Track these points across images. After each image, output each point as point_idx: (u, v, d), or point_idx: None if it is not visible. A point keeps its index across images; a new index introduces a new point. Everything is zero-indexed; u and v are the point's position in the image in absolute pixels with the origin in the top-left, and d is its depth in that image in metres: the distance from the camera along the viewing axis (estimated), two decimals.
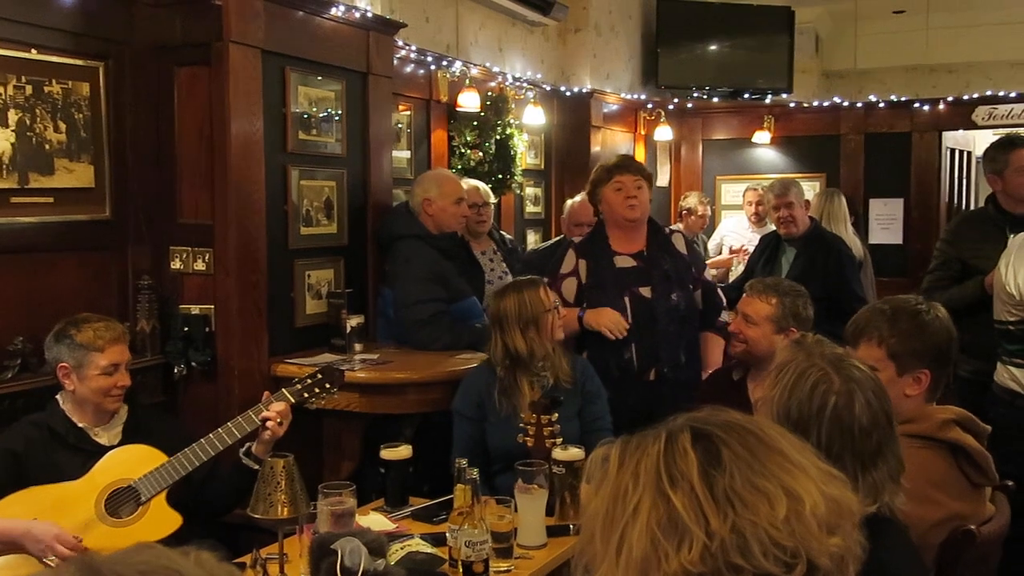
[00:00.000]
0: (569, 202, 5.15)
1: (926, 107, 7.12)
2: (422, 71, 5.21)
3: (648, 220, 3.81)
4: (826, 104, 7.51)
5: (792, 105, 7.62)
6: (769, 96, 7.78)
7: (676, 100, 7.65)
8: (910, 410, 2.22)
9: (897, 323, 2.29)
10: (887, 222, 7.26)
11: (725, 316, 3.77)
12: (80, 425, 2.83)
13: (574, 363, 3.30)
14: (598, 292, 3.68)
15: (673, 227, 4.14)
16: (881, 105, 7.26)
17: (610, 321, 3.55)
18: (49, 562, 2.50)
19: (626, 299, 3.65)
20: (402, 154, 5.05)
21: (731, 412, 1.15)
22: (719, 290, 4.02)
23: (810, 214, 5.07)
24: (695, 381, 3.67)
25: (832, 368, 1.72)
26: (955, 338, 2.32)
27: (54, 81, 3.27)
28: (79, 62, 3.37)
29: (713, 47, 7.73)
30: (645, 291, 3.67)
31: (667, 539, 1.02)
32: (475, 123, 5.37)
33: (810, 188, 7.06)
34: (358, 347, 3.89)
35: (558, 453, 2.75)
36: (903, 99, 7.29)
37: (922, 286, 4.20)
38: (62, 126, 3.30)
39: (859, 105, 7.35)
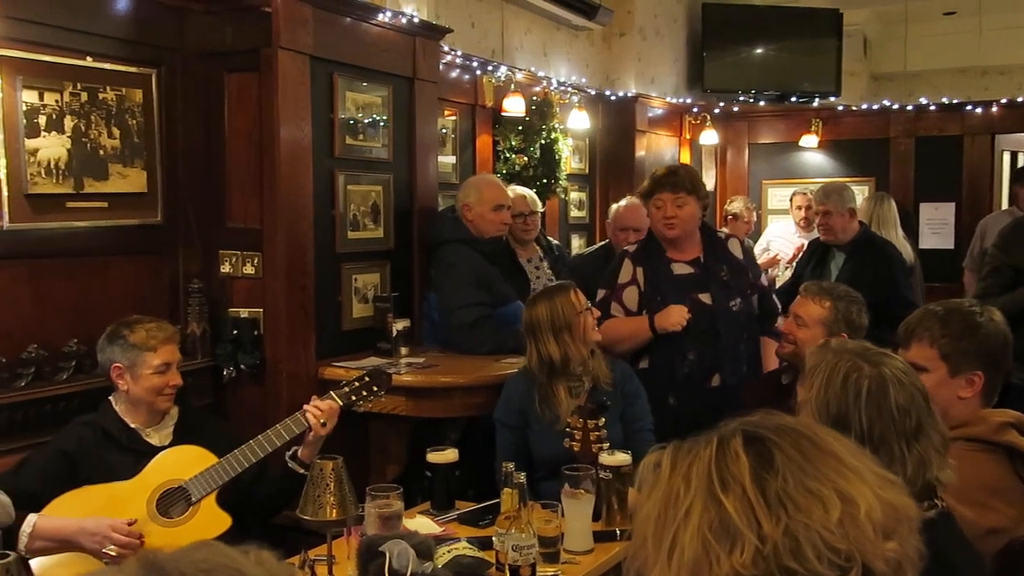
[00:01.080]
0: (614, 206, 5.12)
1: (978, 109, 6.99)
2: (467, 76, 5.23)
3: (702, 226, 3.75)
4: (875, 107, 7.40)
5: (840, 108, 7.52)
6: (816, 99, 7.69)
7: (722, 104, 7.60)
8: (965, 413, 2.18)
9: (949, 324, 2.26)
10: (938, 226, 7.13)
11: (781, 321, 3.71)
12: (132, 426, 2.87)
13: (613, 366, 3.28)
14: (659, 299, 3.62)
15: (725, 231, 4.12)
16: (932, 108, 7.15)
17: (679, 316, 3.52)
18: (109, 551, 2.54)
19: (687, 305, 3.58)
20: (447, 159, 5.07)
21: (784, 416, 1.14)
22: (773, 295, 3.97)
23: (860, 219, 4.99)
24: None
25: (860, 358, 1.77)
26: (1010, 342, 2.28)
27: (108, 88, 3.33)
28: (132, 69, 3.43)
29: (759, 50, 7.66)
30: (705, 297, 3.60)
31: (719, 542, 1.02)
32: (520, 128, 5.38)
33: (859, 192, 6.95)
34: (404, 351, 3.90)
35: (605, 458, 2.73)
36: (954, 101, 7.17)
37: (974, 293, 4.12)
38: (116, 132, 3.36)
39: (909, 108, 7.24)
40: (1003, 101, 6.99)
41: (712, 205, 7.68)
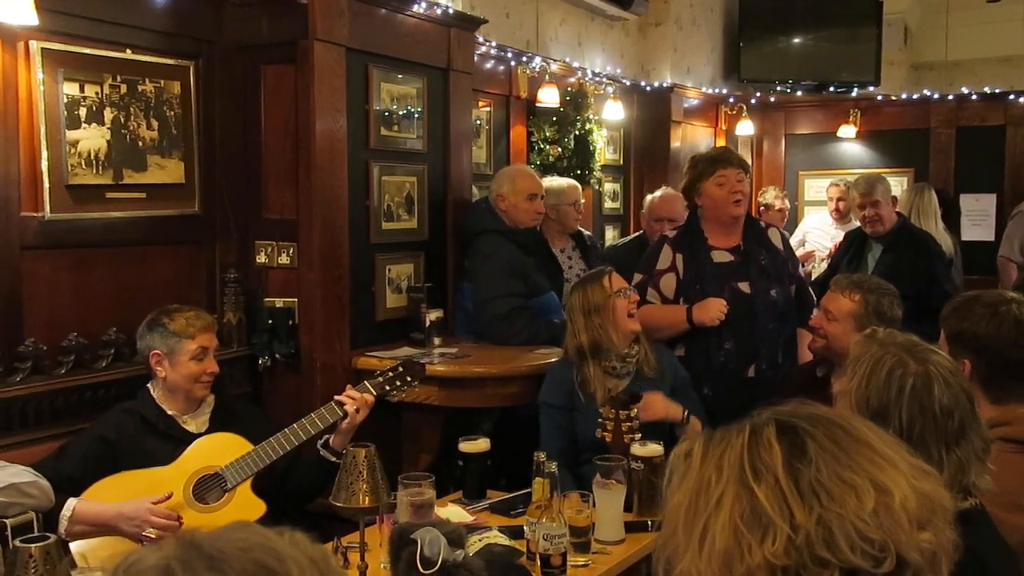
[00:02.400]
0: (649, 197, 5.10)
1: (1022, 99, 6.86)
2: (502, 67, 5.23)
3: (747, 213, 3.77)
4: (915, 97, 7.30)
5: (879, 98, 7.43)
6: (855, 89, 7.59)
7: (758, 94, 7.53)
8: (991, 413, 2.14)
9: (965, 307, 2.27)
10: (979, 218, 7.02)
11: (815, 314, 3.70)
12: (170, 413, 2.92)
13: (661, 354, 3.27)
14: (698, 287, 3.61)
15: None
16: (973, 97, 7.04)
17: (717, 311, 3.50)
18: (148, 535, 2.58)
19: (725, 294, 3.56)
20: (481, 150, 5.07)
21: (817, 406, 1.14)
22: (810, 287, 3.95)
23: (898, 209, 4.93)
24: None
25: (906, 354, 1.72)
26: (1008, 337, 2.21)
27: (147, 80, 3.38)
28: (171, 61, 3.47)
29: (797, 40, 7.58)
30: (744, 286, 3.58)
31: (750, 531, 1.01)
32: (554, 119, 5.37)
33: (897, 184, 6.87)
34: (437, 341, 3.92)
35: (636, 449, 2.73)
36: (997, 91, 7.05)
37: (1015, 283, 4.06)
38: (155, 124, 3.41)
39: (950, 98, 7.13)
40: None
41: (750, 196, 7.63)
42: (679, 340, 3.61)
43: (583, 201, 4.83)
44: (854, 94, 7.57)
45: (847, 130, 7.35)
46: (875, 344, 1.79)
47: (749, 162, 7.62)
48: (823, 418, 1.09)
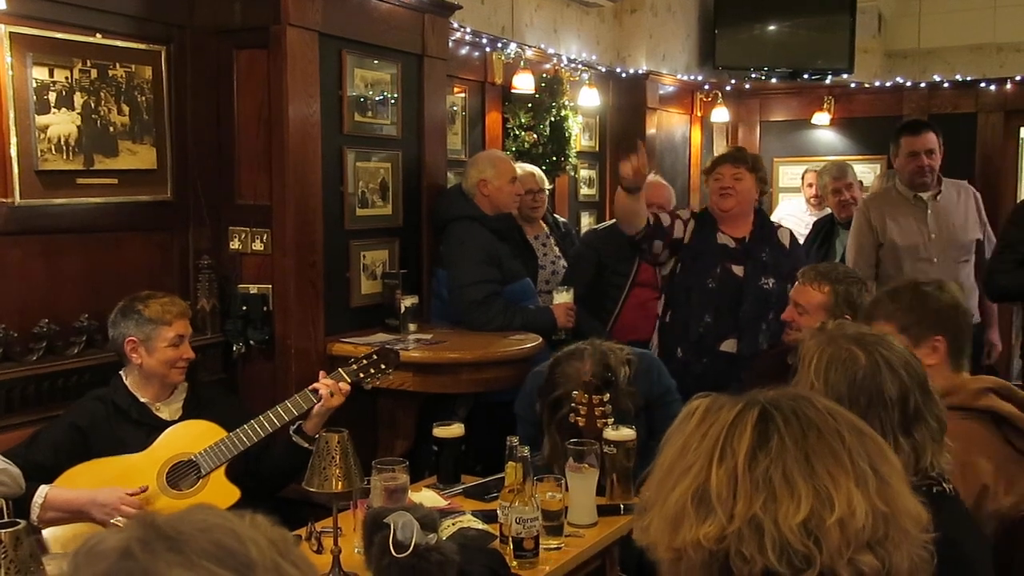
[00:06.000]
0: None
1: (992, 87, 6.93)
2: (477, 53, 5.22)
3: (757, 211, 3.88)
4: (888, 84, 7.34)
5: (853, 86, 7.46)
6: (829, 77, 7.62)
7: (734, 81, 7.55)
8: (941, 383, 2.19)
9: (899, 298, 2.35)
10: None
11: None
12: (142, 400, 2.91)
13: (638, 374, 3.04)
14: (694, 257, 3.78)
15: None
16: (945, 85, 7.09)
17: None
18: (116, 523, 2.58)
19: (716, 271, 3.73)
20: (456, 136, 5.06)
21: (818, 400, 1.15)
22: None
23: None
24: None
25: (855, 345, 1.71)
26: (962, 307, 2.37)
27: (118, 65, 3.34)
28: (142, 46, 3.44)
29: (772, 27, 7.60)
30: (738, 269, 3.73)
31: (696, 510, 1.06)
32: (530, 105, 5.37)
33: (869, 171, 6.92)
34: (412, 327, 3.92)
35: (609, 433, 2.75)
36: (968, 79, 7.10)
37: (986, 267, 4.11)
38: (126, 109, 3.38)
39: (922, 85, 7.18)
40: (1018, 78, 6.91)
41: None
42: (666, 306, 3.84)
43: (548, 188, 4.85)
44: (828, 81, 7.61)
45: (821, 117, 7.39)
46: (824, 338, 1.78)
47: (724, 149, 7.69)
48: (805, 415, 1.10)
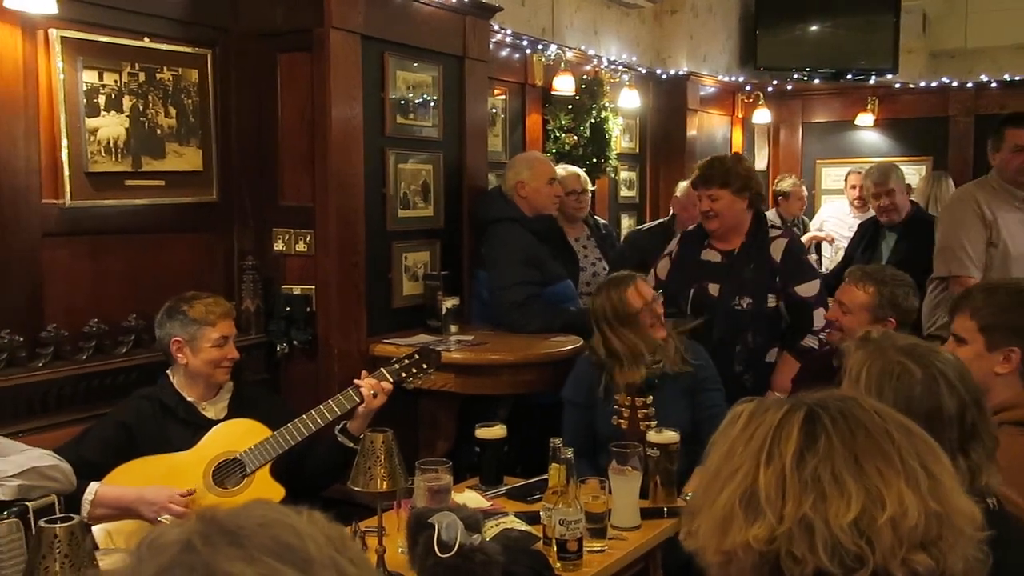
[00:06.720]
0: (682, 184, 4.97)
1: None
2: (517, 55, 5.23)
3: (755, 219, 3.67)
4: (934, 85, 7.24)
5: (897, 86, 7.36)
6: (873, 77, 7.53)
7: (775, 82, 7.49)
8: (1008, 394, 2.14)
9: (994, 296, 2.23)
10: None
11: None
12: (189, 399, 2.95)
13: (687, 349, 3.21)
14: (673, 277, 3.73)
15: (776, 223, 3.91)
16: (993, 85, 6.97)
17: None
18: (163, 521, 2.61)
19: (691, 291, 3.63)
20: (497, 138, 5.07)
21: (864, 400, 1.14)
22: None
23: (915, 198, 4.91)
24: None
25: (907, 358, 1.63)
26: None
27: (165, 68, 3.39)
28: (188, 49, 3.49)
29: (814, 27, 7.52)
30: (713, 289, 3.60)
31: (744, 512, 1.05)
32: (570, 107, 5.36)
33: (915, 172, 6.83)
34: (453, 328, 3.93)
35: (652, 436, 2.74)
36: (1016, 78, 6.98)
37: None
38: (172, 111, 3.43)
39: (969, 85, 7.07)
40: None
41: (765, 185, 7.59)
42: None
43: (591, 189, 4.85)
44: (872, 82, 7.52)
45: (865, 118, 7.31)
46: (872, 350, 1.69)
47: (766, 151, 7.63)
48: (852, 415, 1.09)
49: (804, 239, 6.36)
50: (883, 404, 1.59)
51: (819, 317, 3.52)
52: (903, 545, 1.00)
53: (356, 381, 2.92)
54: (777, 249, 3.62)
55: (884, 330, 1.88)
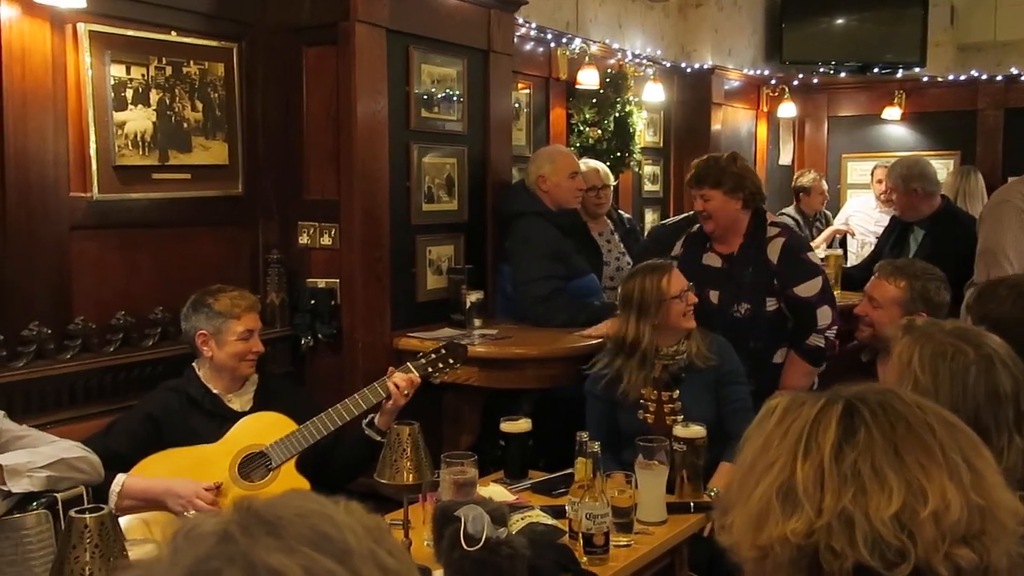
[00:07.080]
0: None
1: None
2: (542, 49, 5.21)
3: (755, 217, 3.58)
4: (962, 78, 7.16)
5: (925, 80, 7.29)
6: (900, 70, 7.46)
7: (801, 76, 7.44)
8: None
9: (989, 291, 2.26)
10: None
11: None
12: (215, 391, 2.96)
13: (711, 344, 3.17)
14: None
15: (776, 220, 3.75)
16: (1022, 78, 6.88)
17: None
18: (189, 514, 2.62)
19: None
20: (521, 132, 5.06)
21: (903, 394, 1.12)
22: (821, 310, 3.46)
23: (944, 192, 4.85)
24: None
25: (958, 340, 1.64)
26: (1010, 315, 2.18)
27: (192, 62, 3.40)
28: (215, 43, 3.50)
29: (840, 20, 7.46)
30: (713, 295, 3.52)
31: (782, 505, 1.04)
32: (594, 100, 5.34)
33: (943, 167, 6.75)
34: (477, 322, 3.93)
35: (679, 430, 2.72)
36: None
37: None
38: (199, 105, 3.44)
39: (999, 79, 6.99)
40: None
41: (790, 179, 7.53)
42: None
43: (612, 184, 4.82)
44: (899, 75, 7.45)
45: (892, 112, 7.24)
46: (920, 335, 1.69)
47: (791, 145, 7.57)
48: (892, 408, 1.07)
49: (825, 233, 6.32)
50: (939, 386, 1.59)
51: (823, 315, 3.45)
52: (946, 539, 0.98)
53: (387, 381, 2.92)
54: (774, 250, 3.51)
55: (929, 319, 1.85)
